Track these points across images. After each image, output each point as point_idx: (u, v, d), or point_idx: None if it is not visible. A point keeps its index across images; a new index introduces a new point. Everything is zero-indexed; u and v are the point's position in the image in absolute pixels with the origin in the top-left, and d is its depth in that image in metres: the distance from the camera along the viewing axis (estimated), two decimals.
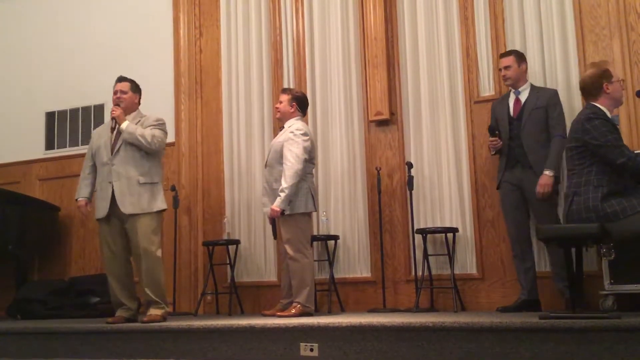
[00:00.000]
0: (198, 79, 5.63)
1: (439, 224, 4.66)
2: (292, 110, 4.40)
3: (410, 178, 4.62)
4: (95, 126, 5.94)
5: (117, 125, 4.15)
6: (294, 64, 5.30)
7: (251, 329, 3.45)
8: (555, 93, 4.23)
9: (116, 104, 4.22)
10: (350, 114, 5.06)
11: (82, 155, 5.90)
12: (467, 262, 4.59)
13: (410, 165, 4.64)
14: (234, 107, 5.46)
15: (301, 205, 4.18)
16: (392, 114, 4.91)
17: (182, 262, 5.35)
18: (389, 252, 4.79)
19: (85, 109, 6.05)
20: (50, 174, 6.07)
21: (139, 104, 4.36)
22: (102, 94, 5.92)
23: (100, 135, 4.27)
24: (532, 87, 4.29)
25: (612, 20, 4.38)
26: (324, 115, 5.14)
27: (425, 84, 4.85)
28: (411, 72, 4.91)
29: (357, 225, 4.94)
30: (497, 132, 4.24)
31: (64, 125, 6.11)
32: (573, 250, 3.27)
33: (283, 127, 4.41)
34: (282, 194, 4.12)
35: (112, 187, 4.06)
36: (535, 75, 4.52)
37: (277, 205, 4.13)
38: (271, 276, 5.15)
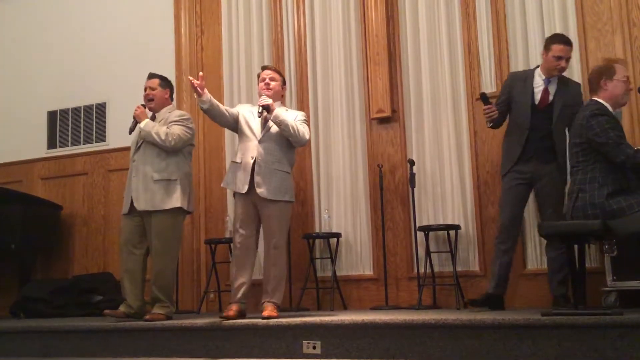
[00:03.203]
0: None
1: (441, 221, 4.65)
2: (283, 93, 4.22)
3: (412, 175, 4.61)
4: (97, 125, 5.98)
5: (137, 125, 4.18)
6: (295, 61, 5.29)
7: (254, 327, 3.46)
8: (580, 91, 4.03)
9: (147, 100, 4.28)
10: (352, 111, 5.06)
11: (84, 154, 5.99)
12: (469, 259, 4.59)
13: (412, 163, 4.64)
14: (236, 105, 5.45)
15: (289, 194, 3.97)
16: (393, 111, 4.90)
17: (185, 260, 5.35)
18: (391, 250, 4.79)
19: (87, 108, 6.05)
20: (53, 173, 6.08)
21: (172, 99, 4.41)
22: (104, 92, 5.97)
23: (136, 131, 4.32)
24: (560, 76, 3.99)
25: (614, 16, 4.37)
26: (326, 113, 5.13)
27: (427, 81, 4.85)
28: (413, 69, 4.91)
29: (359, 222, 4.94)
30: (490, 100, 3.96)
31: (66, 124, 6.12)
32: (576, 246, 3.27)
33: (265, 107, 3.89)
34: (287, 120, 3.84)
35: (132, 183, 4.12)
36: None
37: (275, 108, 3.87)
38: None
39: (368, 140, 4.99)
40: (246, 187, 3.84)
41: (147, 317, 3.94)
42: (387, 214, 4.80)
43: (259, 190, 3.81)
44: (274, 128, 3.92)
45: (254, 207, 3.88)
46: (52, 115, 6.19)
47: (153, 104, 4.27)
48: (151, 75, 4.37)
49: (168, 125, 4.14)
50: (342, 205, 4.99)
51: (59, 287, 5.29)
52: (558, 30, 4.46)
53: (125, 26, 5.96)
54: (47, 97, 6.21)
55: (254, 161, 3.86)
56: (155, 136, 4.07)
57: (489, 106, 3.96)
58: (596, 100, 3.49)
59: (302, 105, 5.20)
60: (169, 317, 4.00)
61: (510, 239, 3.99)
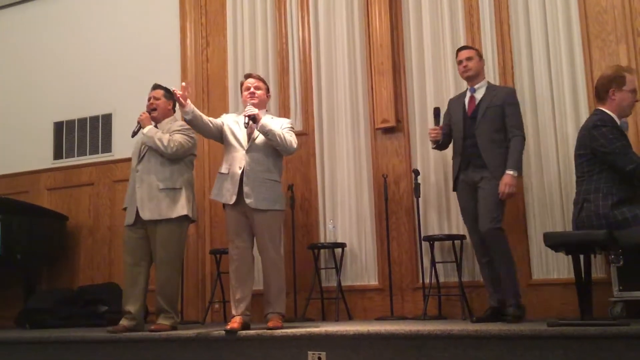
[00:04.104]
0: (205, 88, 5.65)
1: (446, 231, 4.64)
2: (267, 101, 4.11)
3: (417, 185, 4.61)
4: (103, 136, 6.02)
5: (140, 129, 4.21)
6: (300, 71, 5.31)
7: (259, 338, 3.45)
8: (511, 91, 4.08)
9: (150, 109, 4.29)
10: (357, 122, 5.07)
11: (90, 165, 6.02)
12: (474, 269, 4.56)
13: (416, 173, 4.64)
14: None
15: (280, 202, 3.89)
16: (398, 121, 4.91)
17: (189, 271, 5.36)
18: (396, 260, 4.78)
19: (94, 119, 6.09)
20: (59, 183, 6.11)
21: (174, 110, 4.41)
22: (110, 103, 6.00)
23: (137, 142, 4.33)
24: (489, 85, 4.13)
25: (618, 26, 4.38)
26: (330, 123, 5.14)
27: (431, 91, 4.85)
28: (417, 79, 4.92)
29: (364, 232, 4.93)
30: (440, 119, 4.14)
31: (72, 135, 6.15)
32: (582, 257, 3.26)
33: (252, 117, 3.81)
34: (274, 129, 3.79)
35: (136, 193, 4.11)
36: (541, 81, 4.52)
37: (262, 117, 3.81)
38: None
39: (373, 150, 4.99)
40: (234, 198, 3.78)
41: (151, 327, 3.93)
42: (392, 224, 4.80)
43: (248, 201, 3.75)
44: (261, 137, 3.86)
45: (246, 217, 3.81)
46: (58, 126, 6.23)
47: (156, 113, 4.29)
48: (156, 86, 4.40)
49: (170, 133, 4.16)
50: (347, 216, 4.99)
51: (65, 297, 5.30)
52: (562, 41, 4.48)
53: (131, 38, 6.00)
54: (53, 107, 6.25)
55: (242, 171, 3.80)
56: (157, 142, 4.08)
57: (435, 128, 4.13)
58: (600, 110, 3.48)
59: (306, 115, 5.22)
60: (173, 328, 4.00)
61: (488, 250, 3.95)
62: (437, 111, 4.20)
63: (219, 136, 3.98)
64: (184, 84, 3.78)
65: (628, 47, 4.33)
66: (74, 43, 6.26)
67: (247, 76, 4.11)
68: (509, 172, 3.83)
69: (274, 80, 5.39)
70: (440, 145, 4.22)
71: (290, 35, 5.40)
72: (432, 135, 4.14)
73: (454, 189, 4.14)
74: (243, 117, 3.84)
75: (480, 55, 4.18)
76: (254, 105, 3.89)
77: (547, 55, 4.52)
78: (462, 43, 4.79)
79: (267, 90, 4.10)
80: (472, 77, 4.10)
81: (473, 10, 4.81)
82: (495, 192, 3.83)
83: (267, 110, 4.09)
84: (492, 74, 4.68)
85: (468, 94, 4.13)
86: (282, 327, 3.61)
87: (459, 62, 4.15)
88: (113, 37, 6.09)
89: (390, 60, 4.93)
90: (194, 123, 3.84)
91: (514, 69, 4.63)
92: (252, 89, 3.98)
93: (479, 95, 4.07)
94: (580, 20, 4.47)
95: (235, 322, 3.61)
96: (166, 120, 4.31)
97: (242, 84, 4.10)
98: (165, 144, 4.08)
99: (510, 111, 3.96)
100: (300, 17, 5.37)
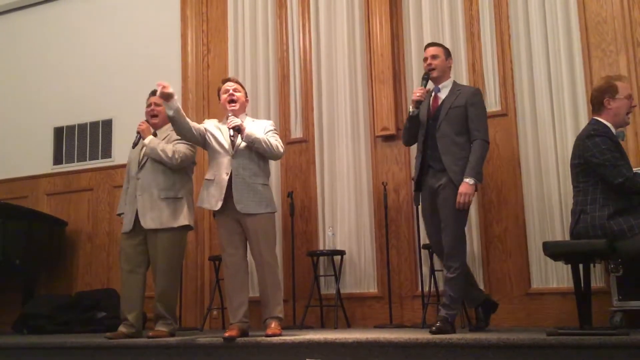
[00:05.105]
0: (205, 94, 5.66)
1: None
2: (246, 105, 4.05)
3: (417, 193, 4.60)
4: (103, 141, 6.02)
5: (140, 140, 4.17)
6: (300, 79, 5.32)
7: (257, 345, 3.44)
8: (476, 92, 3.90)
9: (151, 115, 4.25)
10: (357, 130, 5.08)
11: (90, 170, 6.02)
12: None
13: None
14: None
15: (271, 205, 3.85)
16: (398, 129, 4.91)
17: (188, 277, 5.35)
18: (395, 268, 4.77)
19: (94, 125, 6.09)
20: (58, 188, 6.11)
21: None
22: (110, 109, 6.01)
23: (134, 149, 4.30)
24: (455, 84, 3.96)
25: (618, 36, 4.39)
26: (331, 131, 5.15)
27: None
28: (417, 87, 4.92)
29: (364, 240, 4.93)
30: (427, 83, 3.90)
31: (72, 140, 6.16)
32: (581, 266, 3.26)
33: (236, 128, 3.80)
34: (259, 137, 3.77)
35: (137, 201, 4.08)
36: (541, 91, 4.53)
37: (245, 127, 3.77)
38: None
39: (372, 158, 5.00)
40: (220, 204, 3.74)
41: (150, 334, 3.92)
42: (391, 232, 4.80)
43: (238, 206, 3.71)
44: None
45: (237, 224, 3.79)
46: (58, 131, 6.24)
47: (157, 119, 4.27)
48: (156, 92, 4.37)
49: (173, 142, 4.14)
50: (346, 223, 4.99)
51: (63, 303, 5.29)
52: (562, 51, 4.49)
53: (132, 44, 6.02)
54: (53, 113, 6.26)
55: (230, 177, 3.76)
56: (161, 153, 4.06)
57: (421, 88, 3.89)
58: (596, 120, 3.48)
59: (307, 123, 5.23)
60: (172, 334, 3.99)
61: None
62: (427, 75, 3.94)
63: (201, 141, 3.92)
64: (166, 83, 3.67)
65: (628, 57, 4.34)
66: (75, 48, 6.27)
67: (225, 80, 4.07)
68: (467, 180, 3.65)
69: (274, 87, 5.40)
70: (408, 139, 4.07)
71: (291, 43, 5.41)
72: (418, 94, 3.85)
73: (416, 189, 4.02)
74: (227, 129, 3.80)
75: (448, 54, 4.01)
76: (234, 110, 3.85)
77: (547, 65, 4.53)
78: (463, 53, 4.82)
79: (246, 94, 4.05)
80: (437, 77, 3.94)
81: (473, 20, 4.82)
82: (454, 203, 3.69)
83: (246, 114, 4.05)
84: (492, 84, 4.70)
85: (433, 94, 3.98)
86: (280, 334, 3.60)
87: (424, 60, 3.98)
88: (113, 43, 6.10)
89: (390, 69, 4.94)
90: (176, 120, 3.73)
91: (514, 78, 4.64)
92: (231, 91, 3.92)
93: (443, 94, 3.92)
94: (580, 31, 4.49)
95: (233, 330, 3.59)
96: (166, 126, 4.30)
97: (219, 90, 4.03)
98: (170, 155, 4.05)
99: (472, 112, 3.78)
100: (301, 25, 5.39)
